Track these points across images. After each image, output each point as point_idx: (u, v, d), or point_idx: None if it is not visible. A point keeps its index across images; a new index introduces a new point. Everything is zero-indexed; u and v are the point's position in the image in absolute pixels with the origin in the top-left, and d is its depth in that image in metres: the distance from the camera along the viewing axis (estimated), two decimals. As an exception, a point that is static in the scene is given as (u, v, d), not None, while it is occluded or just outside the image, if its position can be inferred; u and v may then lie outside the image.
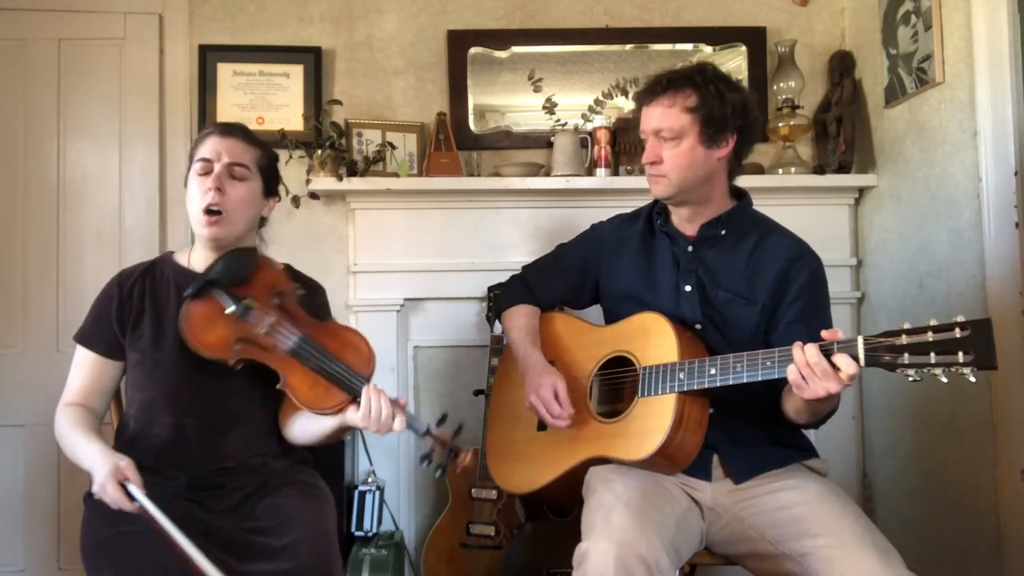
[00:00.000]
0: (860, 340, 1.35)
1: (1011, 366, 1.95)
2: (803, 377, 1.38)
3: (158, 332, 1.63)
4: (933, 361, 1.26)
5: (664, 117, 1.66)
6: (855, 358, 1.34)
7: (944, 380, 1.28)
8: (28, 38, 2.65)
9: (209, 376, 1.61)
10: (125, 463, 1.45)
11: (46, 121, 2.65)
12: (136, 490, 1.42)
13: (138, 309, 1.65)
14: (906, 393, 2.39)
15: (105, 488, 1.42)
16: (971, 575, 2.11)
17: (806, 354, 1.38)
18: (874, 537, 1.44)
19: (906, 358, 1.29)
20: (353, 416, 1.51)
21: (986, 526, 2.05)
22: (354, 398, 1.53)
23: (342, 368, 1.54)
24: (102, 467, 1.44)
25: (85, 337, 1.68)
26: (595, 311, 1.96)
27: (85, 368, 1.66)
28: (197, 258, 1.70)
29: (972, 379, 1.25)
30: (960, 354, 1.24)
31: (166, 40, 2.70)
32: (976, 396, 2.07)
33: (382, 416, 1.49)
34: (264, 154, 1.71)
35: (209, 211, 1.61)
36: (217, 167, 1.62)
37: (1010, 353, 1.95)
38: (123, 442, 1.63)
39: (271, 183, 1.74)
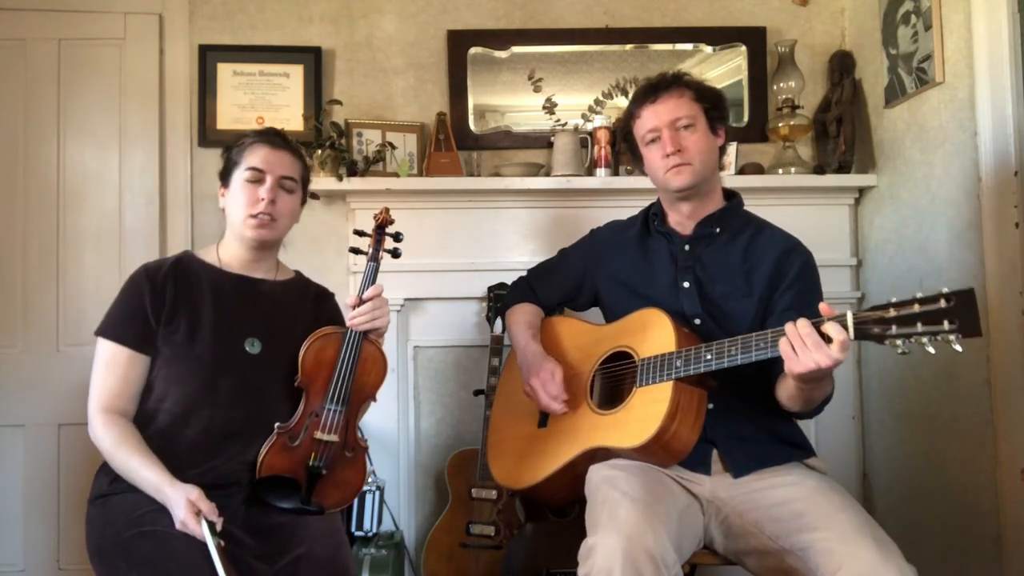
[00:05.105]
0: (849, 314, 1.39)
1: (1011, 366, 1.95)
2: (793, 348, 1.41)
3: (194, 327, 1.65)
4: (920, 330, 1.30)
5: (678, 107, 1.75)
6: (844, 330, 1.38)
7: (931, 350, 1.31)
8: (28, 38, 2.65)
9: (248, 370, 1.66)
10: (196, 495, 1.51)
11: (46, 121, 2.65)
12: (204, 521, 1.47)
13: (171, 303, 1.65)
14: (906, 393, 2.39)
15: (187, 525, 1.48)
16: (971, 575, 2.11)
17: (797, 326, 1.41)
18: (873, 530, 1.45)
19: (894, 329, 1.33)
20: None
21: (986, 526, 2.05)
22: None
23: None
24: (179, 505, 1.49)
25: (114, 331, 1.63)
26: (596, 316, 1.98)
27: (116, 366, 1.62)
28: (230, 256, 1.76)
29: (958, 347, 1.28)
30: (945, 323, 1.28)
31: (166, 40, 2.70)
32: (976, 396, 2.07)
33: None
34: (304, 167, 1.82)
35: (257, 216, 1.69)
36: (269, 179, 1.70)
37: (1010, 353, 1.95)
38: (152, 434, 1.61)
39: (306, 192, 1.84)
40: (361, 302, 1.71)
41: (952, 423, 2.18)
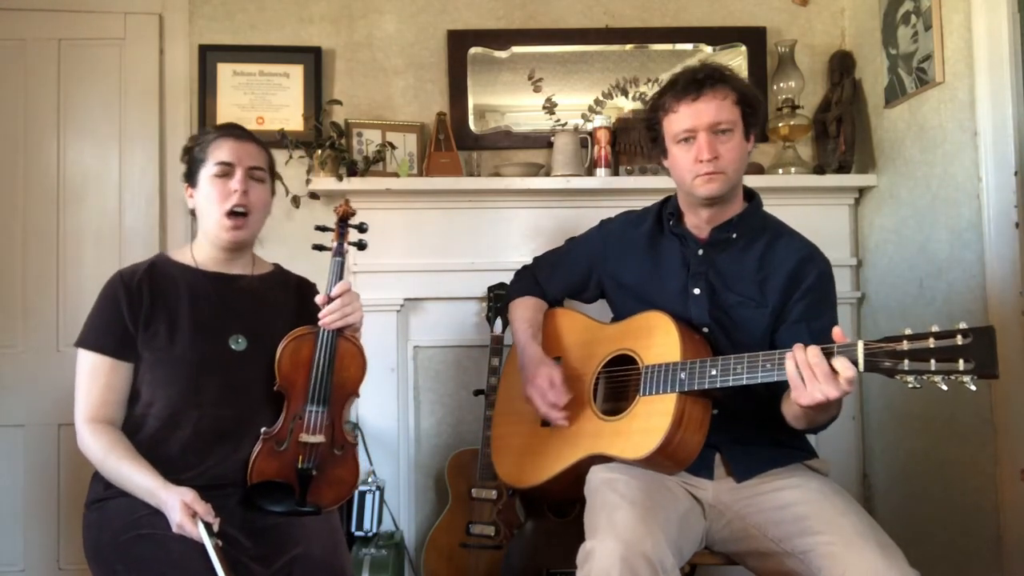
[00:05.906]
0: (860, 344, 1.34)
1: (1011, 367, 1.95)
2: (802, 379, 1.38)
3: (173, 329, 1.63)
4: (933, 368, 1.25)
5: (721, 110, 1.62)
6: (854, 363, 1.34)
7: (944, 388, 1.27)
8: (28, 38, 2.66)
9: (234, 367, 1.65)
10: (191, 497, 1.49)
11: (46, 121, 2.66)
12: (200, 522, 1.47)
13: (149, 307, 1.64)
14: (906, 394, 2.37)
15: (183, 528, 1.47)
16: (971, 575, 2.11)
17: (808, 354, 1.37)
18: (876, 534, 1.44)
19: (906, 364, 1.28)
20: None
21: (986, 526, 2.05)
22: None
23: None
24: (174, 508, 1.48)
25: (93, 341, 1.62)
26: (600, 307, 1.97)
27: (98, 376, 1.61)
28: (204, 256, 1.74)
29: (972, 388, 1.24)
30: (961, 362, 1.23)
31: (166, 40, 2.70)
32: (976, 397, 2.07)
33: None
34: (269, 156, 1.79)
35: (234, 213, 1.66)
36: (239, 171, 1.68)
37: (1010, 354, 1.95)
38: (142, 439, 1.60)
39: (274, 182, 1.81)
40: (330, 299, 1.66)
41: (952, 423, 2.18)
